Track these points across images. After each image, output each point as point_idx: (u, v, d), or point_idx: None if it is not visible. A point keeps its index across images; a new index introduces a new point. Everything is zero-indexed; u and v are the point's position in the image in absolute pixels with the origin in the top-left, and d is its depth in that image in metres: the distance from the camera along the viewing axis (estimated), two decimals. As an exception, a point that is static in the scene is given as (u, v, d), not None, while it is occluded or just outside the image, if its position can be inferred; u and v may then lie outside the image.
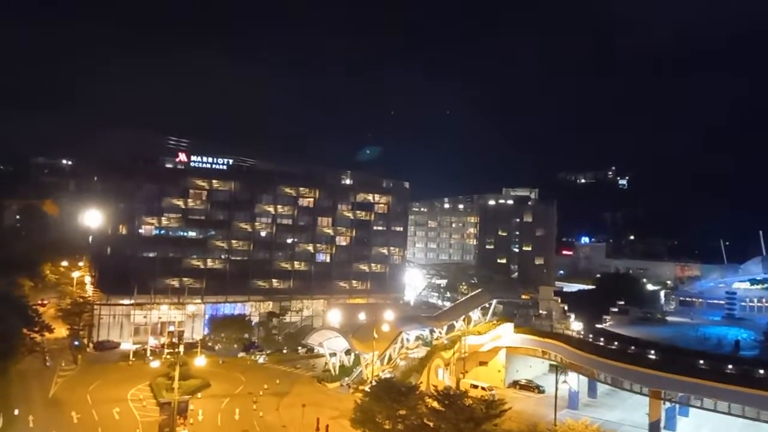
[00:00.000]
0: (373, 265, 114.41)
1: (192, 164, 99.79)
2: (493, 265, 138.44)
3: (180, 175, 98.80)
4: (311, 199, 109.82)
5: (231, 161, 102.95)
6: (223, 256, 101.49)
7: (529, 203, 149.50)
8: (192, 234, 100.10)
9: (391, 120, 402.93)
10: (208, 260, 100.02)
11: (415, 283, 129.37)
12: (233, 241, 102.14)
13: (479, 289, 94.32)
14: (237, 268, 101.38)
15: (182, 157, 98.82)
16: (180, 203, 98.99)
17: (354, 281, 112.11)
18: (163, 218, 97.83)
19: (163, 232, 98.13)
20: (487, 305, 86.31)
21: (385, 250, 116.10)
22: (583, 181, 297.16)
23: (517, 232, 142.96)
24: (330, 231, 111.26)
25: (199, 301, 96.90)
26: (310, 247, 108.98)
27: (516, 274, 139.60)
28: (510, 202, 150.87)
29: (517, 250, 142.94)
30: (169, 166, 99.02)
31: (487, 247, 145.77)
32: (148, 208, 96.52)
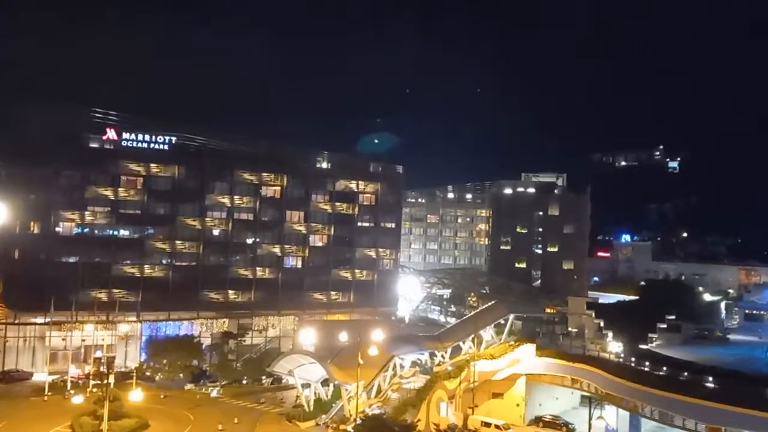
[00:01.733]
0: (357, 271, 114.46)
1: (124, 143, 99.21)
2: (509, 271, 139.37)
3: (108, 157, 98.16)
4: (278, 188, 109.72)
5: (174, 139, 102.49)
6: (164, 261, 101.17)
7: (556, 192, 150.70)
8: (124, 233, 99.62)
9: (381, 92, 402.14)
10: (146, 266, 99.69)
11: (410, 294, 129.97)
12: (177, 242, 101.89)
13: (492, 302, 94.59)
14: (182, 277, 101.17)
15: (111, 134, 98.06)
16: (108, 193, 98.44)
17: (333, 292, 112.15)
18: (86, 213, 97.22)
19: (86, 230, 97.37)
20: (502, 321, 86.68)
21: (372, 253, 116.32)
22: (623, 163, 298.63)
23: (540, 229, 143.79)
24: (302, 228, 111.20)
25: (134, 318, 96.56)
26: (277, 249, 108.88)
27: (539, 282, 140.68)
28: (531, 190, 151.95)
29: (539, 251, 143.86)
30: (94, 145, 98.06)
31: (502, 247, 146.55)
32: (68, 200, 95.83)
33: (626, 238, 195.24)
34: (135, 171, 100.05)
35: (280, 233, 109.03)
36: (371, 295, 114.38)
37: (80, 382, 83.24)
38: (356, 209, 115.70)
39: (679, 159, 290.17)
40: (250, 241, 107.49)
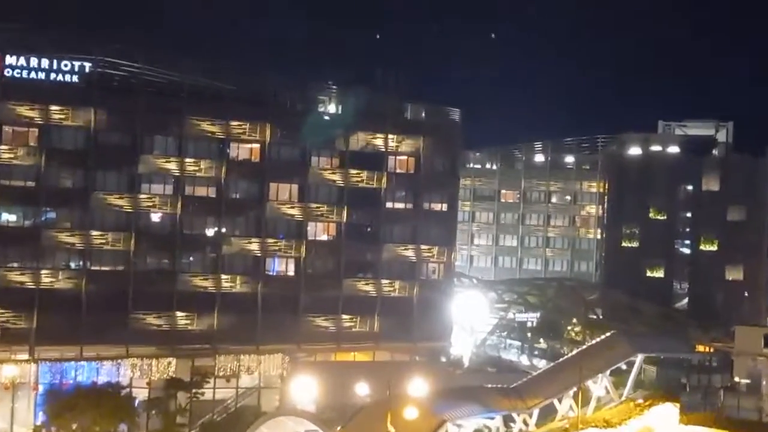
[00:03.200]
0: (384, 282, 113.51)
1: (8, 73, 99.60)
2: (636, 283, 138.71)
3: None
4: (256, 146, 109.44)
5: (89, 67, 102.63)
6: (73, 264, 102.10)
7: (715, 153, 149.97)
8: (9, 218, 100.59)
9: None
10: (43, 272, 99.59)
11: (473, 319, 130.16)
12: (94, 233, 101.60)
13: (608, 334, 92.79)
14: (103, 289, 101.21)
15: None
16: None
17: (345, 316, 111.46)
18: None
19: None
20: (624, 366, 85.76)
21: (410, 252, 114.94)
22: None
23: (689, 214, 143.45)
24: (295, 211, 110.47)
25: (27, 355, 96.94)
26: (255, 245, 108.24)
27: (685, 300, 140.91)
28: (674, 150, 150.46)
29: (687, 250, 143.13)
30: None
31: (625, 244, 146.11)
32: None
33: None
34: (26, 117, 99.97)
35: (259, 219, 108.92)
36: (408, 321, 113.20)
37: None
38: (384, 181, 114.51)
39: None
40: (211, 231, 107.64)
